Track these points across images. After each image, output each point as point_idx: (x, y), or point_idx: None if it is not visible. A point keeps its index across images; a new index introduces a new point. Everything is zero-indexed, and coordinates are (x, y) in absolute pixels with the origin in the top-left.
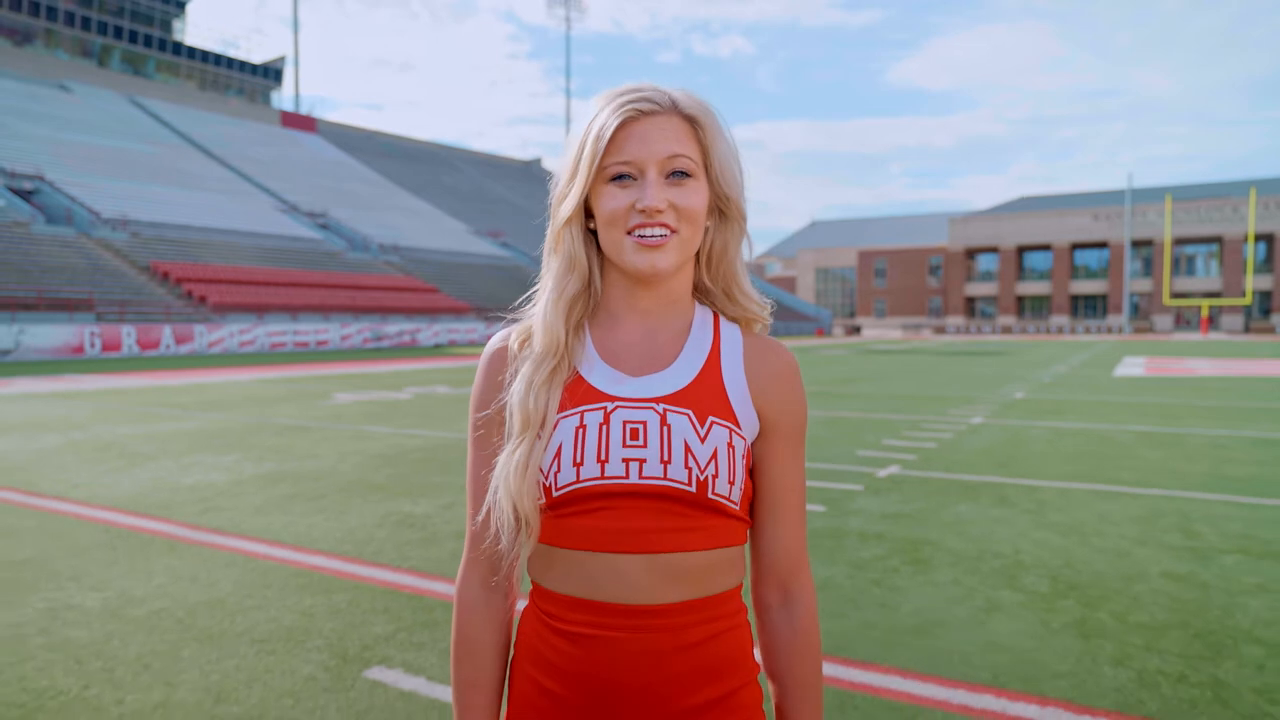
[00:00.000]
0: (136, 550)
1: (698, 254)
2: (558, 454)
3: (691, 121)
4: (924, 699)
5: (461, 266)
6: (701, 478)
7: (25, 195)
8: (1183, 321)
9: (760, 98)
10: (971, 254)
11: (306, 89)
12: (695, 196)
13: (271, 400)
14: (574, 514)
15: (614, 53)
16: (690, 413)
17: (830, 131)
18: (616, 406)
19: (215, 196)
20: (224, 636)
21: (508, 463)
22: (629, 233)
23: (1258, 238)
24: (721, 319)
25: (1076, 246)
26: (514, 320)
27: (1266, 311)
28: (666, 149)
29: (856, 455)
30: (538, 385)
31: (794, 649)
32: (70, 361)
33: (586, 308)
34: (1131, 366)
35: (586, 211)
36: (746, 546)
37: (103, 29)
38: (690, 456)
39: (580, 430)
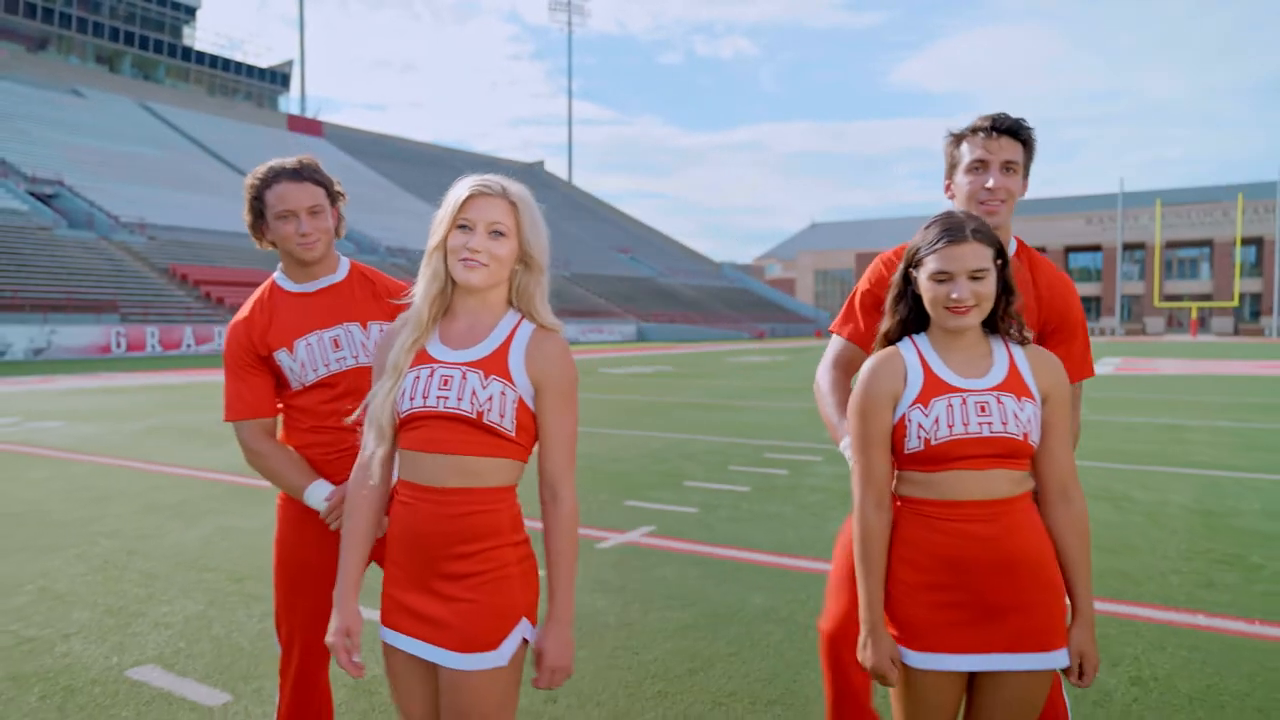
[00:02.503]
0: (249, 497)
1: (512, 290)
2: (404, 392)
3: (512, 204)
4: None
5: None
6: (479, 409)
7: (46, 200)
8: (1175, 323)
9: (762, 99)
10: None
11: (310, 90)
12: (504, 248)
13: None
14: (412, 429)
15: (616, 54)
16: (480, 372)
17: (832, 133)
18: (439, 367)
19: (226, 200)
20: None
21: (377, 392)
22: (461, 260)
23: (1247, 241)
24: (525, 321)
25: (1070, 250)
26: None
27: (1255, 314)
28: (491, 216)
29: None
30: (405, 349)
31: (553, 535)
32: (99, 360)
33: (442, 306)
34: (1105, 366)
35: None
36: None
37: (114, 35)
38: (474, 397)
39: (417, 379)
